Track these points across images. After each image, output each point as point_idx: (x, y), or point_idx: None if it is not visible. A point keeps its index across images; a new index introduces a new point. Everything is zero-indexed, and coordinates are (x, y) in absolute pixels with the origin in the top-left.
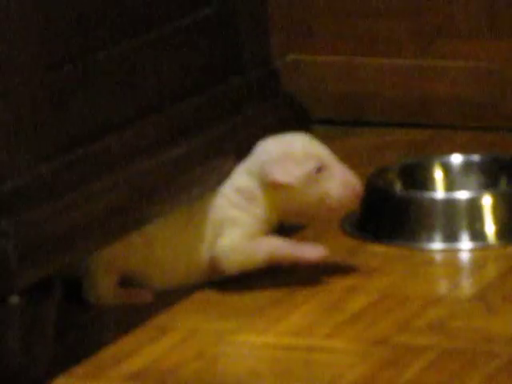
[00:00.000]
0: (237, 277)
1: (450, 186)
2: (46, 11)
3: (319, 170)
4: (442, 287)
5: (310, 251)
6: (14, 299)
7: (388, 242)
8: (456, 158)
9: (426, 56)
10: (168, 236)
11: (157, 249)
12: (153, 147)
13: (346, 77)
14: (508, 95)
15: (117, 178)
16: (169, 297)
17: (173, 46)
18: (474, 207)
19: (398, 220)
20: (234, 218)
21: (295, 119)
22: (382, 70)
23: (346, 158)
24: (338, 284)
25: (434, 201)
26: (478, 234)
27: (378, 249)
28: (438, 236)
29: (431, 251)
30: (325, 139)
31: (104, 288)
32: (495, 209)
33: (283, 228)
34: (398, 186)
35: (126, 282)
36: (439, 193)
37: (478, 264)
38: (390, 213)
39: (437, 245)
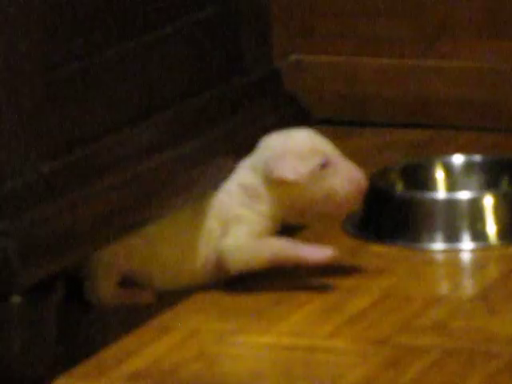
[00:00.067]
0: (238, 277)
1: (452, 186)
2: (46, 11)
3: (324, 165)
4: (444, 287)
5: (317, 253)
6: (16, 299)
7: (389, 242)
8: (457, 159)
9: (428, 56)
10: (171, 236)
11: (159, 249)
12: (154, 147)
13: (348, 77)
14: (509, 95)
15: (117, 178)
16: (170, 297)
17: (174, 47)
18: (475, 207)
19: (400, 220)
20: (238, 216)
21: (297, 119)
22: (383, 70)
23: (348, 158)
24: (339, 284)
25: (435, 201)
26: (479, 235)
27: (380, 249)
28: (439, 236)
29: (432, 251)
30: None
31: (105, 288)
32: (496, 209)
33: (284, 228)
34: (399, 187)
35: (128, 282)
36: (441, 193)
37: (479, 264)
38: (391, 213)
39: (438, 245)
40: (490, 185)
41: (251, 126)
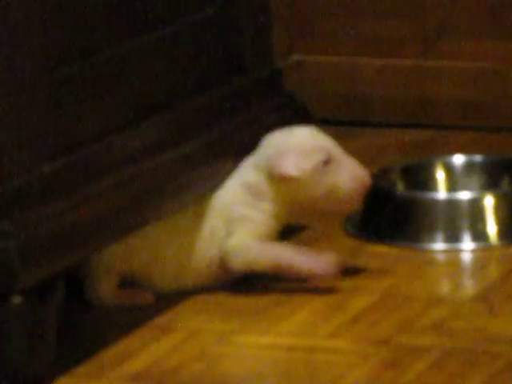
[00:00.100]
0: (238, 278)
1: (452, 186)
2: (46, 12)
3: (326, 162)
4: (444, 287)
5: (320, 267)
6: (16, 299)
7: (390, 242)
8: (458, 159)
9: (428, 56)
10: (172, 236)
11: (160, 250)
12: (154, 147)
13: (348, 77)
14: (510, 95)
15: (118, 179)
16: (170, 297)
17: (175, 47)
18: (475, 208)
19: (400, 220)
20: (243, 216)
21: (297, 119)
22: (383, 70)
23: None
24: (340, 284)
25: (436, 201)
26: (479, 235)
27: (380, 249)
28: (439, 236)
29: (433, 252)
30: None
31: (105, 288)
32: (497, 209)
33: (284, 228)
34: (399, 187)
35: (128, 282)
36: (441, 193)
37: (479, 264)
38: (391, 213)
39: (439, 245)
40: (491, 185)
41: (251, 127)
